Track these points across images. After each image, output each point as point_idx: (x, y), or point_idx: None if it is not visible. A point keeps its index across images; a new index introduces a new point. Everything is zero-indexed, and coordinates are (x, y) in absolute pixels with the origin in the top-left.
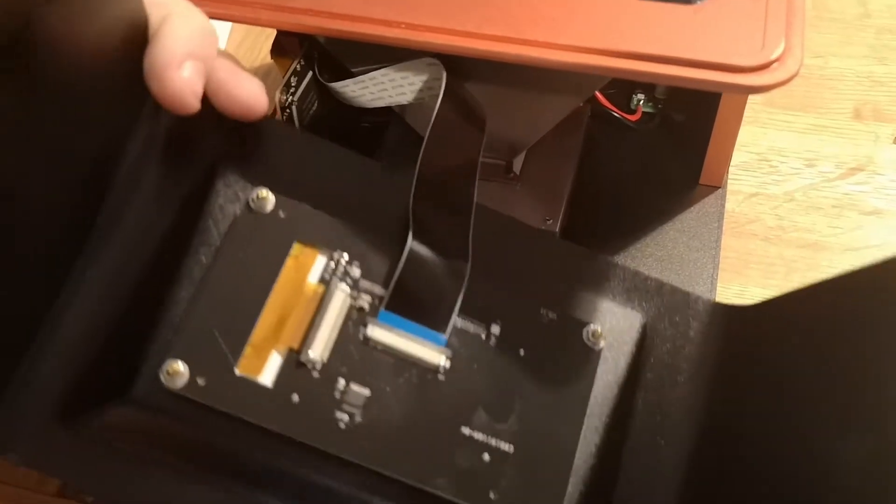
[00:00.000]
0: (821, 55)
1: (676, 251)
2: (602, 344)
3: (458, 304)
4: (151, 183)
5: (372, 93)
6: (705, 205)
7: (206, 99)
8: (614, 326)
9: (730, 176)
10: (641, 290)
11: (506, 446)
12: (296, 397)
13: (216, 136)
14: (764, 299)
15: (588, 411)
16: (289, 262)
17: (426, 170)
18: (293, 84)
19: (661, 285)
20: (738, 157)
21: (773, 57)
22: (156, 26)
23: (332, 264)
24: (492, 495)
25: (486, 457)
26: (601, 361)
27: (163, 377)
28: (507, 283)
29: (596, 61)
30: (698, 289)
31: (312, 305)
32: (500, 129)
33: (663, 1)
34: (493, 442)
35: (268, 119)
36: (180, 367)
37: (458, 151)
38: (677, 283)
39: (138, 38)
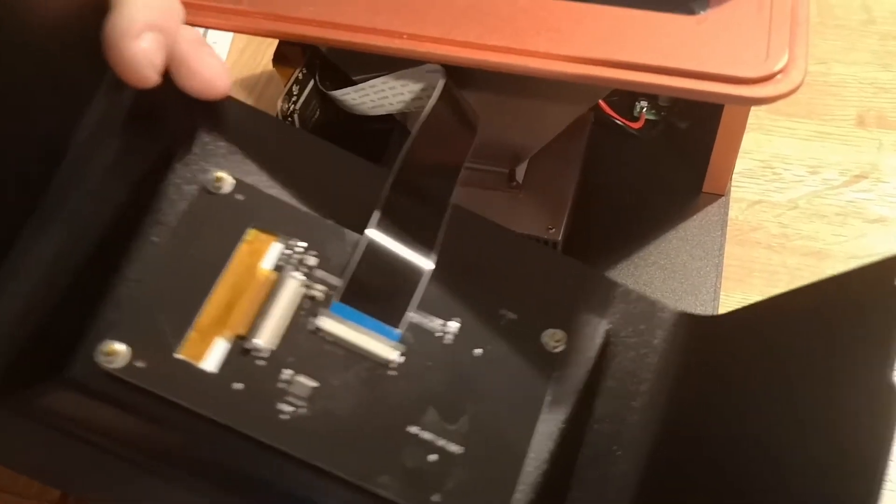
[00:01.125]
0: (825, 62)
1: (679, 259)
2: (561, 348)
3: (416, 300)
4: (106, 158)
5: (373, 100)
6: (708, 213)
7: (168, 75)
8: (576, 331)
9: (733, 183)
10: (608, 296)
11: (454, 447)
12: (238, 385)
13: (177, 113)
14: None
15: (541, 416)
16: (242, 247)
17: (408, 164)
18: (295, 92)
19: (628, 292)
20: (741, 164)
21: (777, 68)
22: None
23: (288, 252)
24: (435, 498)
25: (434, 457)
26: (559, 366)
27: (99, 358)
28: (469, 281)
29: (598, 72)
30: (701, 297)
31: (263, 292)
32: (504, 138)
33: (666, 11)
34: (441, 443)
35: (234, 100)
36: (119, 347)
37: (445, 152)
38: (680, 292)
39: (99, 5)
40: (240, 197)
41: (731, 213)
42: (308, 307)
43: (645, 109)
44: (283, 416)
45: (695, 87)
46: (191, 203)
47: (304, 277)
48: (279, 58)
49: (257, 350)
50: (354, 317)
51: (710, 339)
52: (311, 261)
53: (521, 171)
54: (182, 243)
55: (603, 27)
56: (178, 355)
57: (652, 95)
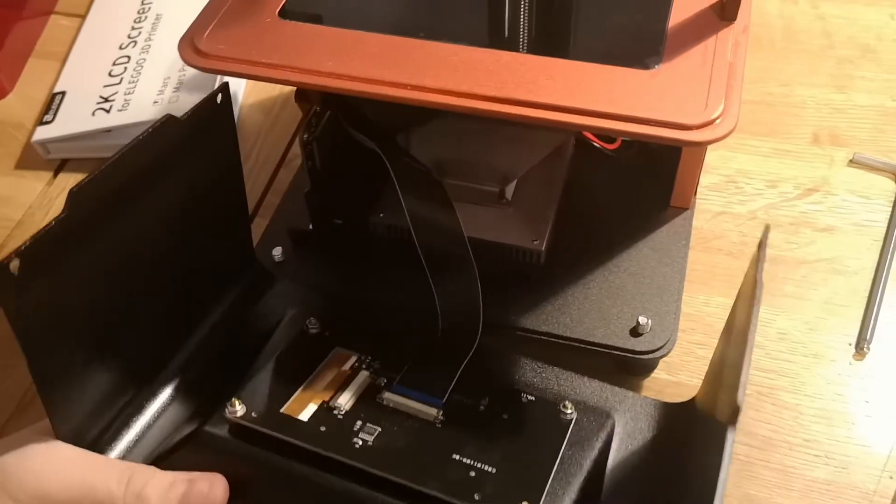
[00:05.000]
0: (787, 84)
1: (649, 265)
2: (573, 416)
3: (455, 380)
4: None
5: None
6: (675, 224)
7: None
8: (587, 415)
9: (700, 196)
10: (608, 399)
11: (489, 469)
12: (323, 428)
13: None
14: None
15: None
16: (329, 358)
17: (432, 266)
18: (314, 124)
19: (626, 394)
20: (708, 178)
21: (715, 115)
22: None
23: (361, 360)
24: (476, 496)
25: (473, 473)
26: (570, 430)
27: (226, 411)
28: (497, 383)
29: (568, 119)
30: (666, 299)
31: (342, 380)
32: (495, 161)
33: (626, 66)
34: (478, 465)
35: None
36: (239, 406)
37: (444, 235)
38: (649, 294)
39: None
40: (327, 334)
41: (697, 223)
42: (374, 390)
43: None
44: (356, 445)
45: (647, 133)
46: (295, 335)
47: (369, 373)
48: (300, 96)
49: (338, 409)
50: (409, 394)
51: (679, 423)
52: (377, 365)
53: (510, 190)
54: (286, 356)
55: (572, 80)
56: (283, 411)
57: None
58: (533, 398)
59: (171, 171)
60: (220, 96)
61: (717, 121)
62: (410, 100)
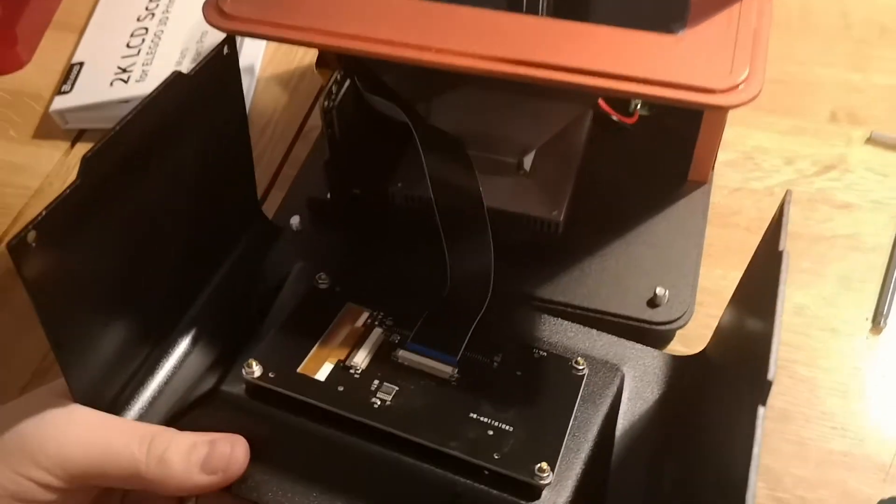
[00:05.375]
0: (804, 63)
1: (666, 238)
2: (585, 372)
3: (469, 336)
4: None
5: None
6: (692, 198)
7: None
8: (598, 370)
9: (717, 172)
10: (618, 351)
11: (507, 427)
12: (341, 388)
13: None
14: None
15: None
16: (342, 314)
17: (448, 227)
18: (334, 92)
19: (633, 346)
20: (725, 155)
21: (740, 80)
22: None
23: (374, 316)
24: (496, 455)
25: (491, 432)
26: (583, 385)
27: (243, 372)
28: (509, 340)
29: (592, 82)
30: (684, 271)
31: (356, 338)
32: (513, 132)
33: (651, 31)
34: (495, 423)
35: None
36: (256, 366)
37: (463, 195)
38: (666, 267)
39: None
40: (338, 289)
41: (714, 199)
42: (388, 347)
43: (639, 107)
44: (374, 405)
45: (672, 96)
46: (306, 291)
47: (382, 330)
48: (321, 62)
49: (354, 368)
50: (423, 351)
51: (691, 375)
52: (389, 321)
53: (528, 161)
54: (299, 313)
55: (596, 43)
56: (299, 371)
57: None
58: (545, 353)
59: (181, 129)
60: (225, 48)
61: (742, 85)
62: (434, 63)
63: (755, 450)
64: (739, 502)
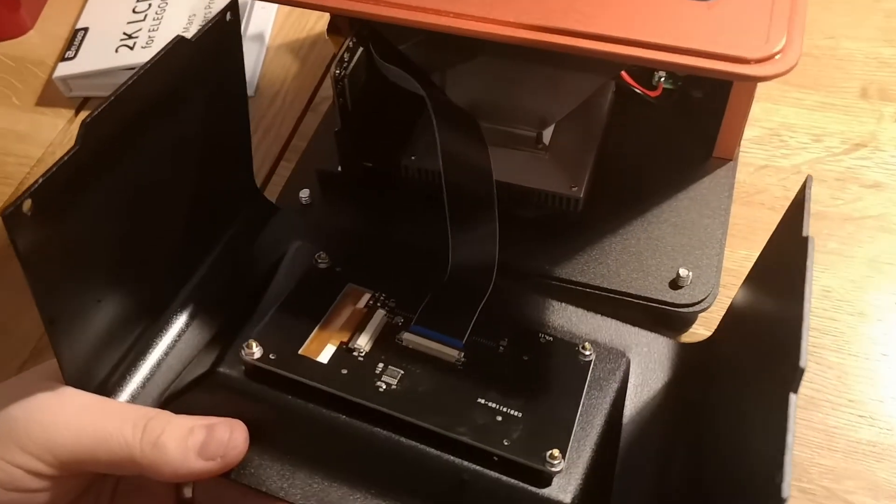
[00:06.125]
0: (833, 36)
1: (689, 217)
2: (592, 357)
3: (474, 318)
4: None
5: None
6: (717, 176)
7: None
8: (604, 356)
9: (742, 149)
10: (624, 337)
11: (515, 413)
12: (345, 371)
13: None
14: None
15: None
16: (343, 296)
17: (454, 206)
18: (346, 59)
19: (639, 332)
20: (751, 131)
21: (776, 50)
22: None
23: (375, 297)
24: (506, 442)
25: (499, 418)
26: (590, 371)
27: (242, 353)
28: (514, 324)
29: (619, 50)
30: (707, 252)
31: (359, 320)
32: (533, 103)
33: None
34: (503, 409)
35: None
36: (256, 347)
37: (474, 174)
38: (689, 247)
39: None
40: (338, 269)
41: (739, 177)
42: (391, 329)
43: (663, 79)
44: (380, 389)
45: (704, 66)
46: (305, 271)
47: (385, 312)
48: (332, 29)
49: (357, 350)
50: (428, 334)
51: (698, 362)
52: (392, 303)
53: (547, 134)
54: (298, 293)
55: (624, 10)
56: (301, 352)
57: None
58: (551, 338)
59: (182, 96)
60: (228, 14)
61: (778, 55)
62: (451, 28)
63: (789, 438)
64: (775, 493)
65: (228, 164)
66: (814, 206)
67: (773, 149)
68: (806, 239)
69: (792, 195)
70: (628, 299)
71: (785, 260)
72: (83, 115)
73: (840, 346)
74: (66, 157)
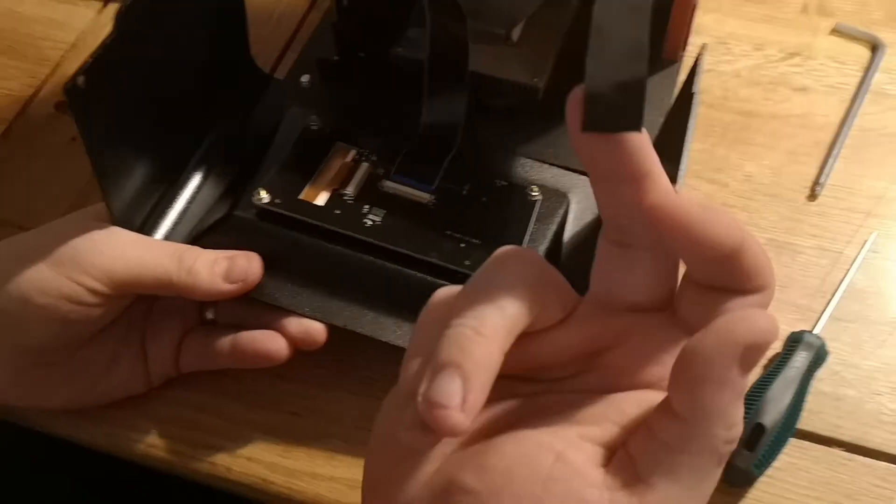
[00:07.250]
0: None
1: None
2: (538, 198)
3: (443, 168)
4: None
5: None
6: (664, 75)
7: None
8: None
9: (689, 55)
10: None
11: (475, 241)
12: (338, 211)
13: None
14: None
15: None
16: (333, 152)
17: (432, 76)
18: None
19: (579, 177)
20: (701, 39)
21: None
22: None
23: (360, 153)
24: (467, 262)
25: (463, 245)
26: (537, 209)
27: (253, 198)
28: (476, 172)
29: None
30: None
31: (346, 171)
32: (502, 1)
33: None
34: (466, 238)
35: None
36: (265, 194)
37: (453, 50)
38: None
39: None
40: (328, 130)
41: (680, 78)
42: (374, 178)
43: None
44: (366, 225)
45: None
46: (301, 131)
47: (369, 164)
48: None
49: (347, 195)
50: (405, 181)
51: None
52: (374, 157)
53: (516, 32)
54: (296, 150)
55: None
56: (301, 197)
57: None
58: (506, 183)
59: None
60: None
61: None
62: None
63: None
64: None
65: (229, 36)
66: (747, 105)
67: (718, 55)
68: (692, 94)
69: (729, 95)
70: (579, 173)
71: (677, 117)
72: (111, 6)
73: (754, 221)
74: (107, 41)
